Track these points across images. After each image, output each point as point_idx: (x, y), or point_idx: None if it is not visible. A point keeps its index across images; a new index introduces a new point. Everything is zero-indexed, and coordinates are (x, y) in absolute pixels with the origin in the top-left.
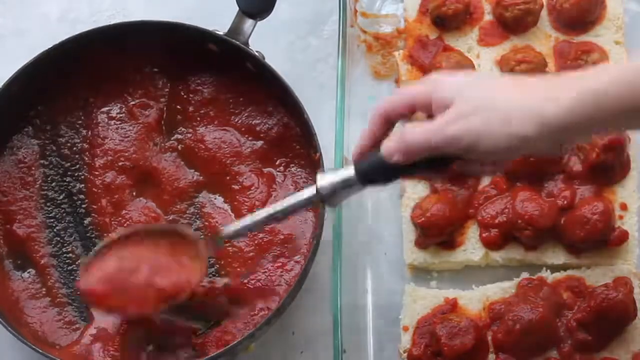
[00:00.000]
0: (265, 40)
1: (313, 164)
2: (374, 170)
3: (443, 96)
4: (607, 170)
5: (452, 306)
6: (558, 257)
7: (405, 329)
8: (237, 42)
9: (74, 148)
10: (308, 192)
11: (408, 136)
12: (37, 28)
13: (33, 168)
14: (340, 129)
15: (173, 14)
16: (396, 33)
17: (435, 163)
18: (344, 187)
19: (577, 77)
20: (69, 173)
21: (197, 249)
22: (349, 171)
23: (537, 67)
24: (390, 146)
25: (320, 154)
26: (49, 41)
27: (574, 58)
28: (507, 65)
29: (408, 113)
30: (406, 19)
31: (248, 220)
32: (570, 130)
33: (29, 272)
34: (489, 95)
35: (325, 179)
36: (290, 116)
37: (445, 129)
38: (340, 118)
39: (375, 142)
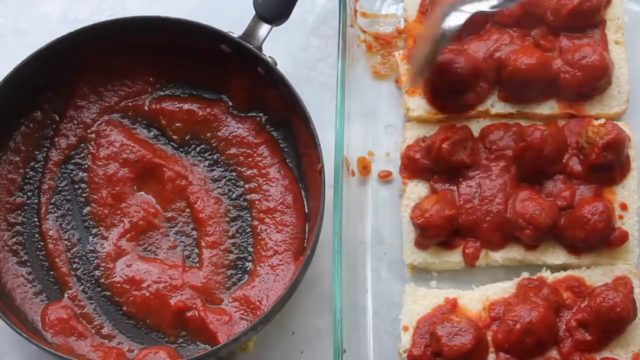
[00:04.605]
0: (266, 40)
1: (314, 174)
2: None
3: None
4: (607, 170)
5: (452, 306)
6: (558, 257)
7: (405, 329)
8: (251, 46)
9: (81, 136)
10: None
11: None
12: (37, 28)
13: (37, 152)
14: (340, 129)
15: (173, 15)
16: (396, 33)
17: None
18: None
19: None
20: (72, 161)
21: None
22: None
23: None
24: None
25: (322, 166)
26: (48, 41)
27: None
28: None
29: None
30: (406, 19)
31: None
32: None
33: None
34: None
35: None
36: (297, 125)
37: None
38: (340, 118)
39: None
